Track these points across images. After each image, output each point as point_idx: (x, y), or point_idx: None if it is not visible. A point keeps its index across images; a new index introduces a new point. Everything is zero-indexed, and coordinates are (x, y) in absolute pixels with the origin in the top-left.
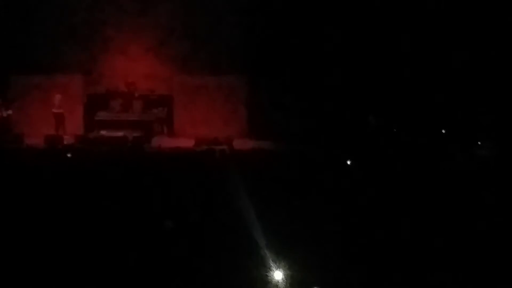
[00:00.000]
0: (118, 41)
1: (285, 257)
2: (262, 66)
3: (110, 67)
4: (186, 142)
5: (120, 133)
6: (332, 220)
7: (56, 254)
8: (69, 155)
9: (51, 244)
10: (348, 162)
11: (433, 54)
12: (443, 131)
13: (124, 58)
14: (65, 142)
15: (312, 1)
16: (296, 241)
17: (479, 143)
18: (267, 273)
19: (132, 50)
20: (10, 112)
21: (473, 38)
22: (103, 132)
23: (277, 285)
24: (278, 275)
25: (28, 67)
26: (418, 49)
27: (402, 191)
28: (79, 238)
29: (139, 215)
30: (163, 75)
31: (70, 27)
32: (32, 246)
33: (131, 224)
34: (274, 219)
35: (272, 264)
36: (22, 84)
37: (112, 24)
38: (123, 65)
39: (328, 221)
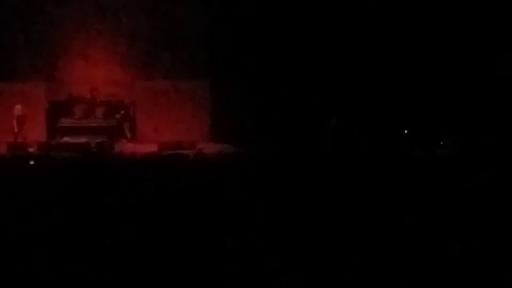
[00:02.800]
0: (79, 46)
1: None
2: (224, 70)
3: (71, 73)
4: (149, 147)
5: (83, 139)
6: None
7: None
8: (31, 162)
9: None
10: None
11: (395, 53)
12: (406, 131)
13: (85, 64)
14: (28, 150)
15: (272, 5)
16: None
17: (441, 142)
18: None
19: (93, 55)
20: None
21: (437, 34)
22: (66, 139)
23: None
24: None
25: None
26: (380, 49)
27: (354, 192)
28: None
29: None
30: (124, 80)
31: (29, 33)
32: None
33: (103, 231)
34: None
35: None
36: None
37: (73, 29)
38: (84, 71)
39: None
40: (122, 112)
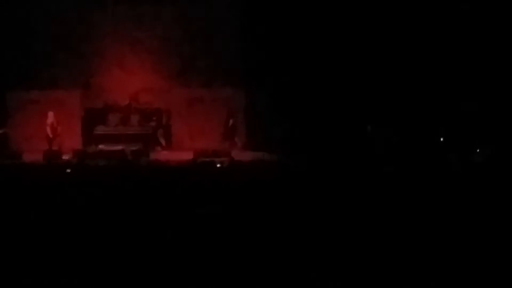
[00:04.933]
0: (115, 54)
1: None
2: (259, 77)
3: (107, 81)
4: (185, 155)
5: (118, 147)
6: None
7: (60, 271)
8: (68, 170)
9: (54, 262)
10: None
11: (431, 61)
12: (441, 139)
13: (121, 72)
14: (63, 157)
15: (307, 13)
16: None
17: (477, 150)
18: None
19: (128, 63)
20: (2, 131)
21: (471, 43)
22: (101, 147)
23: None
24: None
25: (25, 82)
26: (415, 56)
27: (396, 199)
28: (83, 256)
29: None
30: (160, 88)
31: (66, 41)
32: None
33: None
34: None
35: None
36: (19, 100)
37: (109, 37)
38: (120, 78)
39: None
40: (155, 118)
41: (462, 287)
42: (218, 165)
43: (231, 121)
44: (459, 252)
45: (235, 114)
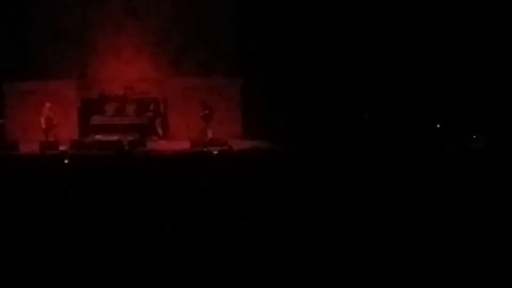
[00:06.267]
0: (110, 44)
1: None
2: (256, 66)
3: (103, 71)
4: (182, 145)
5: (115, 137)
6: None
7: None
8: (66, 161)
9: (51, 253)
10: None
11: (428, 50)
12: (438, 125)
13: (117, 62)
14: (60, 148)
15: (304, 2)
16: None
17: (474, 136)
18: None
19: (124, 53)
20: (1, 121)
21: (468, 34)
22: (98, 137)
23: None
24: None
25: (21, 73)
26: (413, 45)
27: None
28: (80, 246)
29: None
30: (156, 77)
31: (61, 32)
32: (31, 256)
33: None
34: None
35: None
36: (15, 91)
37: (104, 27)
38: (115, 68)
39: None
40: (151, 108)
41: (461, 283)
42: (215, 152)
43: (206, 112)
44: (457, 247)
45: (211, 105)
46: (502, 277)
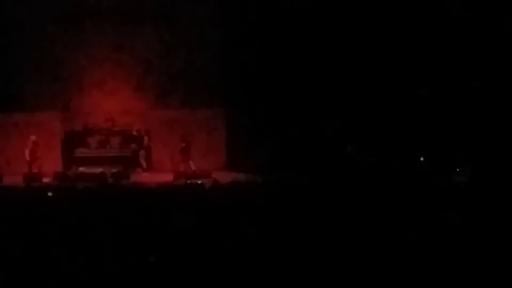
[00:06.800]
0: (94, 76)
1: None
2: (239, 99)
3: (87, 103)
4: (165, 177)
5: (99, 170)
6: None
7: None
8: (50, 194)
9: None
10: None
11: (411, 82)
12: (422, 158)
13: (101, 94)
14: (44, 180)
15: (286, 34)
16: None
17: (457, 169)
18: None
19: (108, 85)
20: None
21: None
22: (82, 169)
23: None
24: None
25: (4, 106)
26: (396, 78)
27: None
28: (64, 279)
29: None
30: (140, 109)
31: (44, 64)
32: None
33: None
34: None
35: None
36: None
37: (88, 60)
38: (99, 101)
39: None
40: (133, 145)
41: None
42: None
43: (183, 145)
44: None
45: (190, 139)
46: None
